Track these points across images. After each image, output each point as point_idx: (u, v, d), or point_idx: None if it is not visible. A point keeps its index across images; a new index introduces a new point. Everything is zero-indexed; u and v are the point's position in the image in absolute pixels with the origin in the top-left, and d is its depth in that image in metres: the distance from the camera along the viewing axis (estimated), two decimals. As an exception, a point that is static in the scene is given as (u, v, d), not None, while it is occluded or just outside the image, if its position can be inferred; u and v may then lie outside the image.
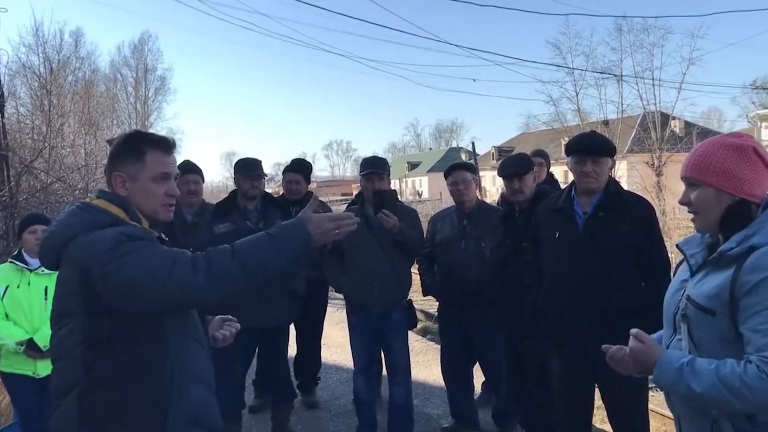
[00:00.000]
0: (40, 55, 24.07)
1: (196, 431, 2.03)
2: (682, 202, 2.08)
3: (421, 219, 4.90)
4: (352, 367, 4.76)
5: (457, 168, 4.80)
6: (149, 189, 2.08)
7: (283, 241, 1.89)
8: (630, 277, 3.31)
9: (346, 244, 4.50)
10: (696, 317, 1.93)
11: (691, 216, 2.07)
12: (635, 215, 3.37)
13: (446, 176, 4.79)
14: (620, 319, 3.22)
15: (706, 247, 2.08)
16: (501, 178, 4.32)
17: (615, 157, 3.52)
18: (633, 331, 1.99)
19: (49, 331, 4.08)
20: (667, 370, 1.87)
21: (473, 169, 4.88)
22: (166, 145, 2.14)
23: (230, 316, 2.41)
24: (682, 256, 2.15)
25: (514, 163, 4.25)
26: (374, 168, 4.52)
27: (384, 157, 5.25)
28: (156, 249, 1.91)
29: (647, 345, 1.95)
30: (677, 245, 2.20)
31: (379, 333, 4.56)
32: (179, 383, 1.97)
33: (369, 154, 5.04)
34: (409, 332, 4.82)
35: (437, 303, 5.16)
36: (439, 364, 5.06)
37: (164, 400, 1.94)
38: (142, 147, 2.09)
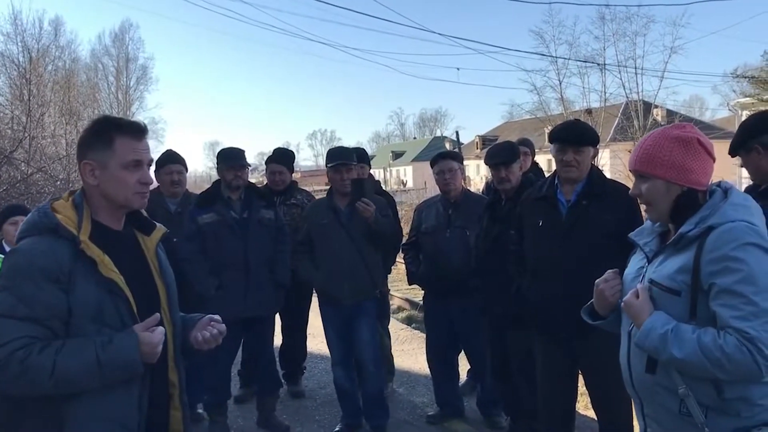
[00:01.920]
0: (19, 44, 23.81)
1: None
2: (633, 194, 2.17)
3: (406, 209, 4.90)
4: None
5: (443, 157, 4.80)
6: (120, 177, 1.98)
7: (109, 373, 1.83)
8: (612, 265, 3.33)
9: (316, 237, 4.48)
10: (660, 299, 2.00)
11: (644, 208, 2.17)
12: (618, 203, 3.39)
13: (432, 165, 4.79)
14: None
15: (657, 235, 2.17)
16: (487, 167, 4.33)
17: (598, 146, 3.53)
18: (640, 287, 2.04)
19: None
20: (652, 336, 1.93)
21: (459, 158, 4.88)
22: (136, 130, 2.03)
23: (217, 317, 2.22)
24: (635, 247, 2.24)
25: (501, 152, 4.24)
26: (342, 159, 4.47)
27: (368, 146, 5.23)
28: (12, 302, 1.81)
29: (641, 301, 2.01)
30: (628, 237, 2.28)
31: (351, 324, 4.55)
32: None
33: (353, 144, 5.00)
34: (395, 321, 4.83)
35: (422, 292, 5.17)
36: (425, 352, 5.08)
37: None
38: (110, 133, 1.99)
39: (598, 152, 3.54)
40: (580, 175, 3.40)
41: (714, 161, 2.08)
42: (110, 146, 1.97)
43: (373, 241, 4.48)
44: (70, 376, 1.78)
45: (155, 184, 4.79)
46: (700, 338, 1.85)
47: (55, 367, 1.76)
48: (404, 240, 5.37)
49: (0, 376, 1.78)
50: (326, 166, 4.56)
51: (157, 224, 2.22)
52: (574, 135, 3.41)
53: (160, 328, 1.93)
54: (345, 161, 4.45)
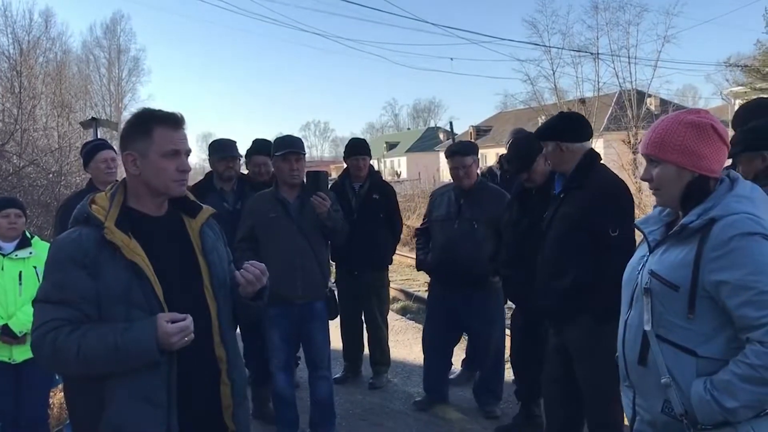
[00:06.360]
0: (9, 35, 23.67)
1: None
2: (644, 179, 2.12)
3: (400, 199, 4.89)
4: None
5: (458, 153, 4.67)
6: (159, 165, 2.10)
7: (126, 358, 1.96)
8: (582, 255, 3.26)
9: (263, 232, 4.17)
10: (660, 291, 1.96)
11: (652, 191, 2.10)
12: (588, 196, 3.31)
13: (447, 158, 4.74)
14: (572, 297, 3.24)
15: (664, 224, 2.12)
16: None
17: (594, 137, 3.52)
18: None
19: (25, 317, 4.01)
20: (707, 408, 1.86)
21: (474, 151, 4.76)
22: (174, 120, 2.15)
23: (246, 264, 2.26)
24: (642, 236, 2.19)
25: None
26: (292, 147, 4.11)
27: (363, 137, 5.16)
28: (47, 288, 2.02)
29: None
30: (635, 224, 2.23)
31: (301, 325, 4.25)
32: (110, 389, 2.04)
33: (348, 135, 4.92)
34: (390, 311, 4.80)
35: (417, 282, 5.18)
36: (420, 343, 5.09)
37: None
38: (149, 124, 2.11)
39: (561, 146, 3.38)
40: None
41: (728, 148, 2.04)
42: (150, 136, 2.10)
43: (324, 236, 4.24)
44: (92, 358, 1.94)
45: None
46: (737, 373, 1.80)
47: (79, 350, 1.93)
48: (402, 228, 5.38)
49: (36, 354, 2.01)
50: (273, 155, 4.19)
51: (204, 206, 2.31)
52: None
53: (183, 324, 1.98)
54: (295, 150, 4.12)
